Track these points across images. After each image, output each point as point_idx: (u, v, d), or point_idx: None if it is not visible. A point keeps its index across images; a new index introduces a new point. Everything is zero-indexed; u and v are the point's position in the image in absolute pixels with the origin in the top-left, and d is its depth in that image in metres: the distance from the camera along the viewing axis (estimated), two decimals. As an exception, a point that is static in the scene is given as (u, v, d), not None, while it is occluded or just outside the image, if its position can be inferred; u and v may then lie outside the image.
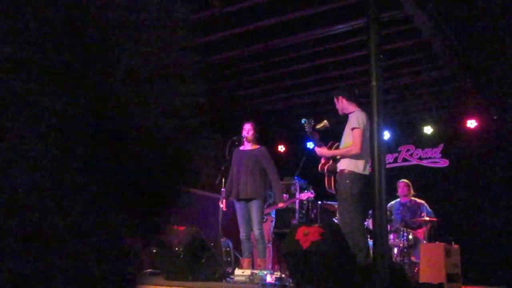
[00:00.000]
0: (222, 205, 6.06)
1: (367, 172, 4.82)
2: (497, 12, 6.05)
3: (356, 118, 4.86)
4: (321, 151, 5.15)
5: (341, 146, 5.11)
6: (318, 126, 5.28)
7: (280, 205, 6.34)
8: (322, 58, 7.48)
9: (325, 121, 5.33)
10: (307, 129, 5.20)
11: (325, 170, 5.10)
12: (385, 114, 4.50)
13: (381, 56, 4.53)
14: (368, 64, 4.56)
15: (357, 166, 4.78)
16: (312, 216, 8.51)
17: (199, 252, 4.77)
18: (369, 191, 4.52)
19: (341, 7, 6.06)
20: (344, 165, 4.90)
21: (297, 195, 8.55)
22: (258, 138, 6.28)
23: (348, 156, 4.86)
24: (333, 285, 3.78)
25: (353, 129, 4.82)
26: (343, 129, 5.26)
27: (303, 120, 5.28)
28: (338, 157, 5.02)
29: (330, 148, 5.18)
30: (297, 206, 8.77)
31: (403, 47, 6.98)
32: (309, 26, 6.53)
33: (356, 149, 4.77)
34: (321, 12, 6.17)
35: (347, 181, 4.80)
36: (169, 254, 4.73)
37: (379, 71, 4.45)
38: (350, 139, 4.90)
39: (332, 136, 5.62)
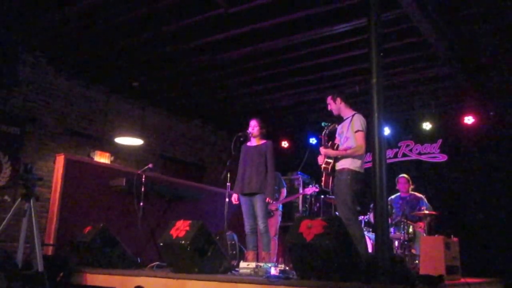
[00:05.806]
0: (234, 198, 6.03)
1: (363, 170, 5.03)
2: (493, 11, 5.93)
3: (359, 121, 5.05)
4: (327, 151, 5.25)
5: (342, 147, 5.20)
6: (329, 129, 5.41)
7: (268, 200, 5.91)
8: (324, 57, 7.36)
9: (336, 125, 5.44)
10: (325, 131, 5.32)
11: (329, 170, 5.19)
12: (385, 110, 4.45)
13: (381, 54, 4.47)
14: (368, 62, 4.49)
15: (356, 165, 4.97)
16: (315, 209, 8.45)
17: (205, 245, 4.69)
18: (366, 187, 4.64)
19: (343, 8, 5.95)
20: (344, 163, 5.06)
21: (301, 190, 8.47)
22: (265, 133, 6.18)
23: (351, 156, 5.01)
24: (336, 277, 3.69)
25: (357, 131, 5.00)
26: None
27: (323, 123, 5.40)
28: (339, 156, 5.15)
29: (331, 148, 5.27)
30: (300, 200, 8.68)
31: (403, 45, 6.85)
32: (312, 26, 6.43)
33: (361, 151, 4.98)
34: (323, 12, 6.08)
35: (348, 177, 4.96)
36: (176, 248, 4.62)
37: (379, 69, 4.40)
38: (353, 141, 5.05)
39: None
